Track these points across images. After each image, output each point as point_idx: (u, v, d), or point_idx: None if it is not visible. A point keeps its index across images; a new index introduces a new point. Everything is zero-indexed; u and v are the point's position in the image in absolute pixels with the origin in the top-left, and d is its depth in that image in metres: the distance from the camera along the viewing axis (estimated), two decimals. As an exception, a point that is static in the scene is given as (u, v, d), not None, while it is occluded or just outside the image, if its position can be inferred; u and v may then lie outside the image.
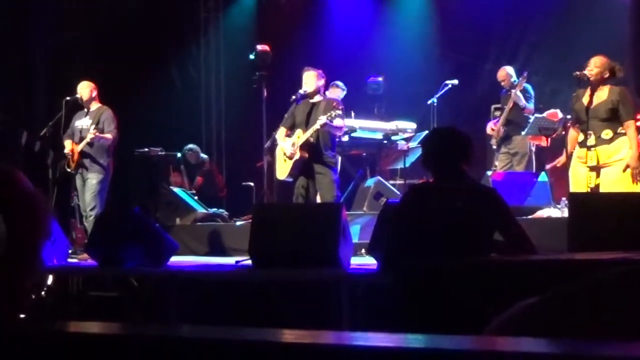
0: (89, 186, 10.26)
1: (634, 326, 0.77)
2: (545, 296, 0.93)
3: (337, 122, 9.34)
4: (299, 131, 9.52)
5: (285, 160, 9.63)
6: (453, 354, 0.72)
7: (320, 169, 9.44)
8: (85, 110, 10.53)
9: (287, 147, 9.54)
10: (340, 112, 9.34)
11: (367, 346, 0.77)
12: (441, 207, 4.96)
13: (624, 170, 8.16)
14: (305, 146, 9.42)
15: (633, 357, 0.67)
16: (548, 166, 10.39)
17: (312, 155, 9.43)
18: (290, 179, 9.70)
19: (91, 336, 0.87)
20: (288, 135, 9.72)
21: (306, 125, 9.48)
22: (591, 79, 8.27)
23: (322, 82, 9.73)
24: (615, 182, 8.15)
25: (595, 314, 0.88)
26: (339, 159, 10.19)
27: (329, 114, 9.20)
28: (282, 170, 9.71)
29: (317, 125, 9.27)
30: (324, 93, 9.84)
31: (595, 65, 8.28)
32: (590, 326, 0.85)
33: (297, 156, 9.46)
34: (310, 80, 9.62)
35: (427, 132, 10.98)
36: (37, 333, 0.88)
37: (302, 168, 9.50)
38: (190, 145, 13.81)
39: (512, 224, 5.09)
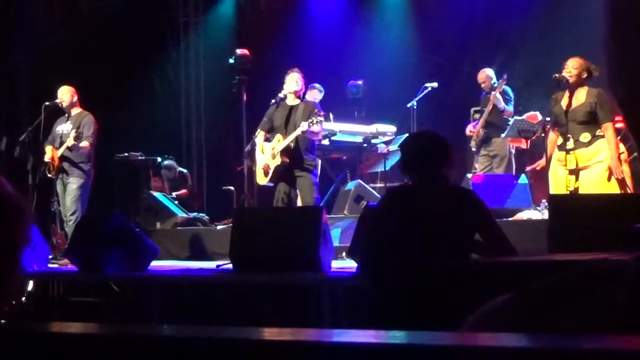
0: (69, 190, 10.22)
1: (603, 321, 0.79)
2: (517, 292, 0.94)
3: (315, 127, 9.34)
4: (278, 136, 9.51)
5: (266, 163, 9.63)
6: (434, 349, 0.73)
7: (300, 172, 9.44)
8: (66, 115, 10.50)
9: (266, 152, 9.54)
10: (321, 118, 9.34)
11: (348, 342, 0.77)
12: (420, 209, 4.97)
13: (608, 176, 8.20)
14: (285, 151, 9.42)
15: (607, 350, 0.68)
16: (528, 168, 10.43)
17: (292, 160, 9.43)
18: (271, 184, 9.69)
19: (72, 336, 0.87)
20: (267, 139, 9.72)
21: (285, 128, 9.48)
22: (570, 81, 8.33)
23: (302, 86, 9.73)
24: (594, 183, 8.19)
25: (566, 309, 0.89)
26: (319, 162, 10.19)
27: (310, 120, 9.19)
28: (262, 175, 9.71)
29: (297, 132, 9.27)
30: (303, 96, 9.83)
31: (573, 67, 8.34)
32: (562, 321, 0.87)
33: (277, 162, 9.45)
34: (293, 81, 9.61)
35: (406, 135, 11.04)
36: (17, 334, 0.88)
37: (282, 173, 9.50)
38: (166, 163, 13.72)
39: (491, 225, 5.10)
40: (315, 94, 11.28)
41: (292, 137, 9.33)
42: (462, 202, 5.04)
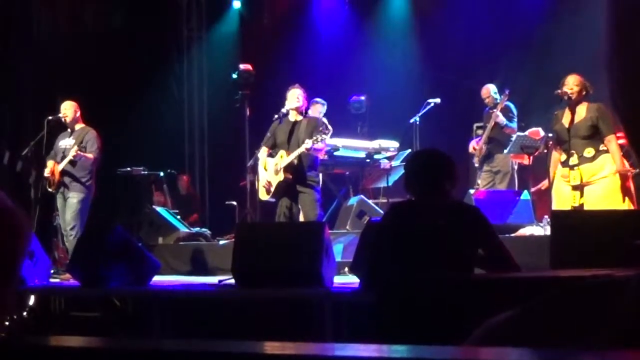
0: (69, 205, 10.20)
1: (605, 337, 0.79)
2: (520, 308, 0.94)
3: (319, 145, 9.34)
4: (281, 152, 9.51)
5: (268, 180, 9.63)
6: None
7: (303, 188, 9.43)
8: (69, 130, 10.50)
9: (269, 168, 9.54)
10: (325, 136, 9.34)
11: (351, 357, 0.77)
12: (423, 224, 4.97)
13: (613, 191, 8.19)
14: (288, 168, 9.42)
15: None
16: (533, 189, 10.41)
17: (295, 176, 9.43)
18: (273, 200, 9.69)
19: (71, 350, 0.87)
20: (270, 155, 9.73)
21: (288, 144, 9.48)
22: (572, 97, 8.35)
23: (304, 102, 9.72)
24: (599, 199, 8.19)
25: (568, 325, 0.89)
26: (321, 177, 10.18)
27: (314, 137, 9.18)
28: (264, 191, 9.71)
29: (301, 149, 9.26)
30: (306, 112, 9.82)
31: (574, 84, 8.37)
32: (564, 336, 0.86)
33: (280, 178, 9.45)
34: (294, 98, 9.61)
35: (409, 150, 11.03)
36: (16, 347, 0.87)
37: (285, 189, 9.49)
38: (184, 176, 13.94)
39: (494, 242, 5.10)
40: (319, 108, 11.28)
41: (295, 154, 9.33)
42: (465, 217, 5.04)
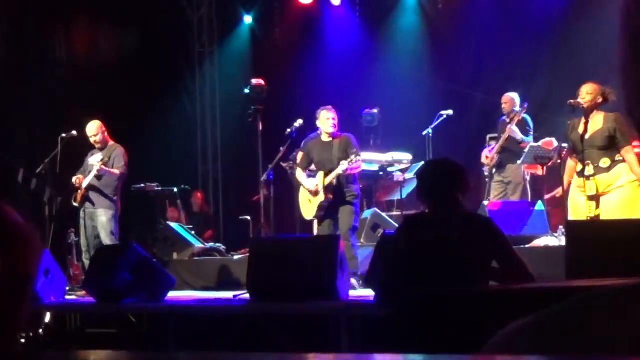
0: (102, 224, 10.22)
1: (625, 344, 0.78)
2: (536, 315, 0.93)
3: (355, 165, 9.39)
4: (320, 173, 9.56)
5: (309, 200, 9.64)
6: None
7: (344, 205, 9.44)
8: (99, 147, 10.51)
9: (311, 187, 9.57)
10: (359, 157, 9.38)
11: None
12: (437, 237, 4.96)
13: (629, 201, 8.13)
14: (329, 188, 9.44)
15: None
16: (547, 197, 10.37)
17: (336, 195, 9.45)
18: (316, 219, 9.71)
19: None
20: (309, 176, 9.77)
21: (324, 165, 9.50)
22: (585, 106, 8.27)
23: (334, 123, 9.70)
24: (615, 209, 8.11)
25: (584, 332, 0.89)
26: (359, 190, 10.07)
27: (350, 159, 9.23)
28: (308, 211, 9.71)
29: (339, 171, 9.30)
30: (335, 132, 9.76)
31: (587, 93, 8.28)
32: (581, 344, 0.86)
33: (321, 198, 9.47)
34: (327, 121, 9.61)
35: (422, 162, 11.01)
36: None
37: (327, 208, 9.51)
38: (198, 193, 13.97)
39: (508, 252, 5.08)
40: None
41: (333, 175, 9.38)
42: (478, 229, 5.03)
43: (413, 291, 4.72)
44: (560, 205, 9.18)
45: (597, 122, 8.29)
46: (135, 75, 13.99)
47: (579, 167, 8.35)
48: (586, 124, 8.29)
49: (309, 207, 9.66)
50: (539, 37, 12.63)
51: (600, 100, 8.28)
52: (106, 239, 10.17)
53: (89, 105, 12.16)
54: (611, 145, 8.22)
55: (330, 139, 9.64)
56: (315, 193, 9.54)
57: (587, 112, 8.29)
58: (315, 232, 9.97)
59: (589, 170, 8.23)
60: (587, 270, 6.15)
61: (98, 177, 10.26)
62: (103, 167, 10.17)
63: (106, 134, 10.57)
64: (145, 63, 14.23)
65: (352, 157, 9.29)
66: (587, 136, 8.25)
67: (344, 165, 9.28)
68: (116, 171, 10.28)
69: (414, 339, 4.34)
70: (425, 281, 4.82)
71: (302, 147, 9.84)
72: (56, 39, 14.02)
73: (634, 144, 8.41)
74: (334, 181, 9.45)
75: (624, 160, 8.20)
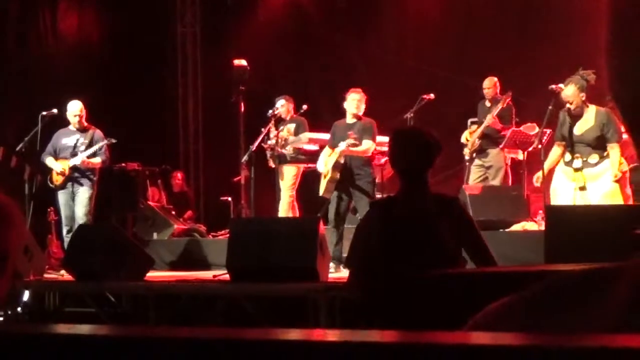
0: (81, 201, 10.15)
1: (604, 322, 0.79)
2: (516, 295, 0.94)
3: (361, 147, 9.37)
4: (327, 149, 9.62)
5: (324, 176, 9.61)
6: (428, 348, 0.73)
7: (359, 188, 9.41)
8: (74, 128, 10.40)
9: (320, 160, 9.63)
10: (360, 142, 9.40)
11: (341, 341, 0.77)
12: (405, 218, 4.92)
13: (614, 189, 8.18)
14: (337, 166, 9.40)
15: (607, 348, 0.68)
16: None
17: (345, 174, 9.45)
18: (328, 197, 9.64)
19: (64, 337, 0.87)
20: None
21: (338, 144, 9.51)
22: (573, 112, 8.32)
23: (363, 107, 9.74)
24: (601, 197, 8.16)
25: (566, 310, 0.89)
26: (375, 175, 10.02)
27: (347, 141, 9.24)
28: (321, 187, 9.68)
29: (340, 148, 9.31)
30: (359, 114, 9.76)
31: (573, 96, 8.28)
32: (560, 323, 0.86)
33: (329, 175, 9.44)
34: (354, 103, 9.62)
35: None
36: (10, 336, 0.87)
37: (338, 187, 9.48)
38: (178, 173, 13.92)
39: (474, 233, 5.02)
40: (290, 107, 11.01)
41: (337, 152, 9.38)
42: (447, 209, 4.98)
43: (384, 273, 4.73)
44: (539, 189, 9.21)
45: (589, 118, 8.31)
46: (118, 54, 13.95)
47: (568, 156, 8.39)
48: (576, 121, 8.34)
49: (322, 182, 9.67)
50: (520, 19, 12.64)
51: (584, 96, 8.29)
52: (83, 216, 10.11)
53: (71, 84, 12.09)
54: (601, 142, 8.27)
55: (354, 120, 9.65)
56: (321, 167, 9.58)
57: (577, 114, 8.33)
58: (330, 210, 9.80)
59: (577, 163, 8.29)
60: (566, 254, 6.20)
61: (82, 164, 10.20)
62: (90, 162, 10.13)
63: (84, 114, 10.47)
64: (127, 42, 14.17)
65: (351, 139, 9.29)
66: (577, 132, 8.30)
67: (342, 145, 9.28)
68: (98, 160, 10.24)
69: (387, 319, 4.35)
70: (396, 264, 4.80)
71: (332, 128, 9.88)
72: (39, 17, 13.94)
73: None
74: (341, 159, 9.43)
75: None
